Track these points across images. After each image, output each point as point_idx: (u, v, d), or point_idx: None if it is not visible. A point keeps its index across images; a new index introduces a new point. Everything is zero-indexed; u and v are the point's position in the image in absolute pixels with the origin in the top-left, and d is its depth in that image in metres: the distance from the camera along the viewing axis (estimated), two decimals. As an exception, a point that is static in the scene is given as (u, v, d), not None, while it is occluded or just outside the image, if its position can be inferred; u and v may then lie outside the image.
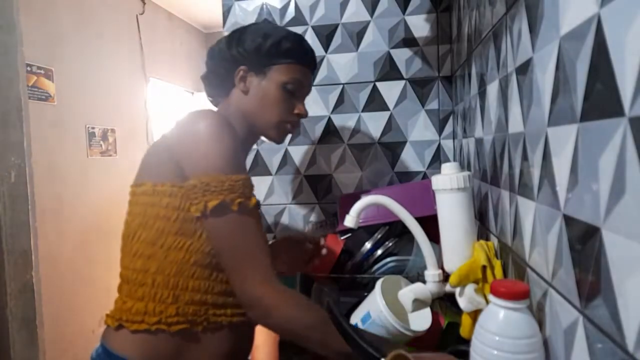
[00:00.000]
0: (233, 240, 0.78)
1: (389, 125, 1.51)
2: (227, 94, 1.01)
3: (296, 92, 0.99)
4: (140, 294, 0.80)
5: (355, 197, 1.33)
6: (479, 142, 1.03)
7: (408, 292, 0.87)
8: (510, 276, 0.77)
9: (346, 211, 0.91)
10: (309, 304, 0.79)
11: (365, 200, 0.90)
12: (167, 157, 0.82)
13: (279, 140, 1.03)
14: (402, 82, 1.49)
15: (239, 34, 0.99)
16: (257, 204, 0.80)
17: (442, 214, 0.89)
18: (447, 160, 1.48)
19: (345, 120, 1.53)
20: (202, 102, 5.26)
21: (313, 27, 1.52)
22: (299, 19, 1.53)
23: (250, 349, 0.96)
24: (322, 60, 1.52)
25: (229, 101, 1.00)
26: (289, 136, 1.55)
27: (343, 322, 0.73)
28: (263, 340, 0.95)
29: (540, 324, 0.60)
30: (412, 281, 0.95)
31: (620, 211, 0.38)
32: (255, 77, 0.97)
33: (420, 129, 1.50)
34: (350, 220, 0.90)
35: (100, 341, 0.85)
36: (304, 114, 1.02)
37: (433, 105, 1.48)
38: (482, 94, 0.98)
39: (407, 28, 1.47)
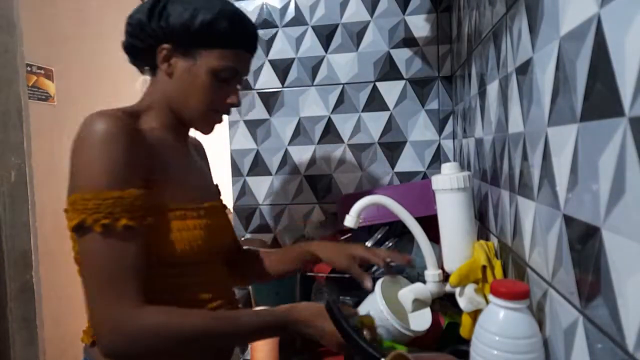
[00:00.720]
0: (95, 264, 0.69)
1: (389, 125, 1.51)
2: (153, 71, 0.87)
3: (230, 80, 0.85)
4: None
5: (355, 197, 1.33)
6: (479, 142, 1.03)
7: (408, 292, 0.87)
8: (510, 276, 0.77)
9: (346, 211, 0.91)
10: (186, 311, 0.73)
11: (365, 200, 0.90)
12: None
13: (206, 131, 0.90)
14: (402, 82, 1.49)
15: (164, 2, 0.81)
16: (128, 226, 0.70)
17: (442, 214, 0.89)
18: (447, 160, 1.48)
19: (345, 120, 1.53)
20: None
21: (313, 27, 1.52)
22: (299, 19, 1.53)
23: (232, 349, 0.94)
24: (322, 60, 1.52)
25: (154, 82, 0.87)
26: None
27: (343, 322, 0.73)
28: (262, 341, 0.95)
29: (540, 324, 0.60)
30: (412, 281, 0.95)
31: (620, 211, 0.38)
32: (181, 59, 0.82)
33: (420, 129, 1.49)
34: (350, 221, 0.90)
35: (83, 355, 0.84)
36: (236, 104, 0.88)
37: (433, 105, 1.48)
38: (482, 94, 0.98)
39: (407, 28, 1.47)
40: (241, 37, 0.84)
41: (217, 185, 1.04)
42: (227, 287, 0.93)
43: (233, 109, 0.90)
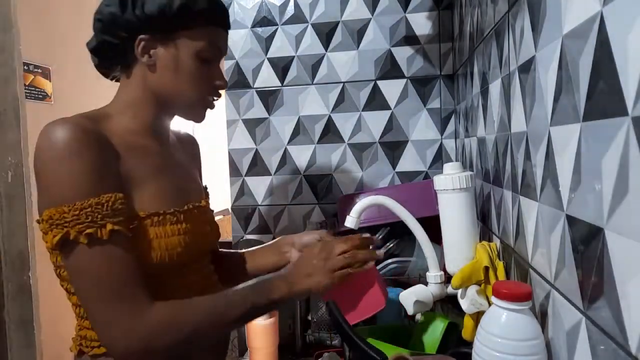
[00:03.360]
0: (89, 277, 0.67)
1: (390, 124, 1.50)
2: (126, 69, 0.83)
3: (212, 60, 0.83)
4: (87, 324, 0.76)
5: (355, 198, 1.32)
6: (482, 141, 1.02)
7: (410, 294, 0.86)
8: (512, 277, 0.77)
9: (346, 212, 0.90)
10: (191, 299, 0.72)
11: (366, 201, 0.90)
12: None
13: (200, 119, 0.87)
14: (403, 81, 1.49)
15: None
16: (114, 231, 0.67)
17: (444, 215, 0.89)
18: (449, 160, 1.48)
19: (345, 120, 1.52)
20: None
21: (313, 25, 1.51)
22: (298, 17, 1.52)
23: (227, 345, 0.93)
24: (322, 58, 1.52)
25: (131, 79, 0.82)
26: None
27: (344, 324, 0.73)
28: (261, 343, 0.95)
29: (543, 325, 0.60)
30: (414, 283, 0.95)
31: (623, 211, 0.38)
32: (162, 48, 0.79)
33: (421, 128, 1.49)
34: (351, 221, 0.89)
35: None
36: (224, 85, 0.86)
37: (435, 104, 1.48)
38: (485, 92, 0.97)
39: (408, 26, 1.47)
40: (219, 13, 0.82)
41: (205, 187, 1.01)
42: (214, 289, 0.89)
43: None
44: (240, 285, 0.76)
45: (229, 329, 0.77)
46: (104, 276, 0.67)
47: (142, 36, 0.77)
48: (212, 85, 0.84)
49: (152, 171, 0.79)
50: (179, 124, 0.92)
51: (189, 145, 1.01)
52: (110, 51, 0.81)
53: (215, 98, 0.87)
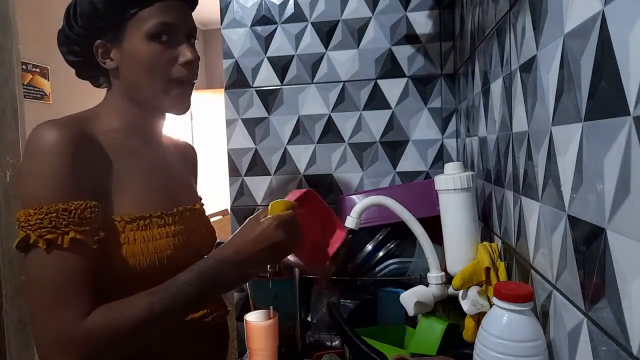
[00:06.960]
0: (39, 282, 0.65)
1: (391, 124, 1.50)
2: (105, 77, 0.84)
3: (171, 36, 0.77)
4: None
5: (356, 198, 1.32)
6: (483, 141, 1.02)
7: (410, 295, 0.86)
8: (514, 278, 0.77)
9: (347, 212, 0.90)
10: (125, 300, 0.68)
11: (366, 201, 0.90)
12: None
13: (178, 110, 0.83)
14: (404, 80, 1.48)
15: (73, 5, 0.77)
16: (76, 240, 0.65)
17: (445, 215, 0.88)
18: (450, 159, 1.47)
19: (345, 119, 1.52)
20: (200, 101, 5.25)
21: (313, 24, 1.51)
22: (298, 15, 1.52)
23: (227, 339, 0.92)
24: (322, 57, 1.51)
25: (111, 85, 0.83)
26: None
27: (344, 325, 0.72)
28: (261, 344, 0.94)
29: (544, 326, 0.60)
30: (415, 284, 0.94)
31: (625, 211, 0.38)
32: (116, 46, 0.77)
33: (422, 128, 1.48)
34: (351, 222, 0.89)
35: None
36: (192, 59, 0.79)
37: (436, 103, 1.47)
38: (486, 92, 0.97)
39: (409, 24, 1.46)
40: None
41: (200, 198, 1.00)
42: None
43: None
44: (181, 277, 0.71)
45: (173, 323, 0.72)
46: (52, 284, 0.64)
47: (96, 43, 0.78)
48: (177, 65, 0.79)
49: (139, 173, 0.79)
50: (182, 131, 0.92)
51: (186, 152, 1.03)
52: (81, 67, 0.84)
53: (183, 77, 0.80)
